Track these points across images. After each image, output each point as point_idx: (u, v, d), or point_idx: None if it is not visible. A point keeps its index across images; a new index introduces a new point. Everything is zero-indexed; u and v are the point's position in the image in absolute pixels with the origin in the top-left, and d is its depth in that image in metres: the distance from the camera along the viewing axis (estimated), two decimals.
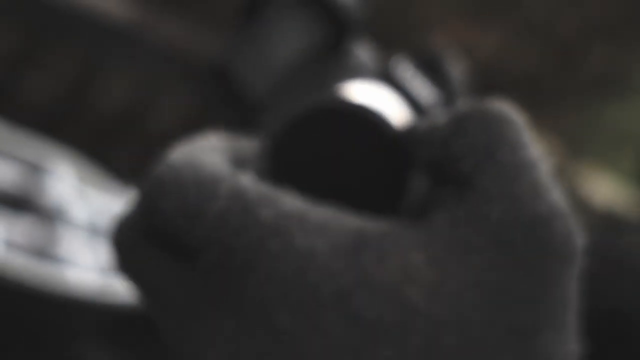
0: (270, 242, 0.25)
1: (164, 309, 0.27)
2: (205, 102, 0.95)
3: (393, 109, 0.31)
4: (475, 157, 0.26)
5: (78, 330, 0.65)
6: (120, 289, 0.72)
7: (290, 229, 0.25)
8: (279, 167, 0.29)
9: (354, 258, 0.25)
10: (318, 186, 0.28)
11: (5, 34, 0.90)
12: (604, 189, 1.40)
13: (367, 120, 0.28)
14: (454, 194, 0.26)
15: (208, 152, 0.27)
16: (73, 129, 0.92)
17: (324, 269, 0.24)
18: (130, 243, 0.27)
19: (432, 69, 0.36)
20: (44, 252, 0.70)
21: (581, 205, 1.30)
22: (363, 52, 0.39)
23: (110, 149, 0.94)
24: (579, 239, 0.25)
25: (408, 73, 0.36)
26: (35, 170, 0.78)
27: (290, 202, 0.26)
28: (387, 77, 0.35)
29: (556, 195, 0.25)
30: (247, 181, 0.26)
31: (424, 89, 0.35)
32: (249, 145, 0.30)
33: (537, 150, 0.26)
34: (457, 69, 0.37)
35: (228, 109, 0.37)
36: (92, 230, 0.76)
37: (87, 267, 0.72)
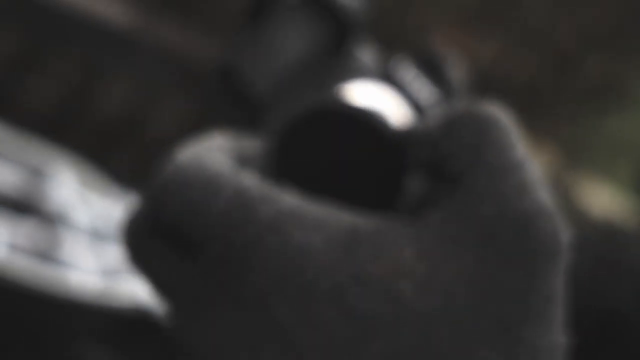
0: (269, 238, 0.26)
1: (171, 302, 0.28)
2: (205, 106, 0.95)
3: (393, 109, 0.32)
4: (465, 157, 0.27)
5: (78, 331, 0.65)
6: (121, 292, 0.72)
7: (289, 226, 0.26)
8: (281, 166, 0.29)
9: (348, 253, 0.25)
10: (318, 184, 0.29)
11: (5, 39, 0.90)
12: (602, 199, 1.40)
13: (365, 121, 0.29)
14: (446, 192, 0.27)
15: (213, 152, 0.28)
16: (73, 133, 0.92)
17: (320, 265, 0.25)
18: (139, 238, 0.28)
19: (432, 70, 0.37)
20: (47, 255, 0.70)
21: (579, 215, 1.30)
22: (364, 54, 0.39)
23: (111, 152, 0.94)
24: (565, 235, 0.26)
25: (408, 73, 0.36)
26: (37, 174, 0.78)
27: (289, 200, 0.26)
28: (388, 78, 0.36)
29: (542, 194, 0.26)
30: (249, 180, 0.27)
31: (424, 89, 0.36)
32: (253, 144, 0.31)
33: (524, 150, 0.27)
34: (457, 69, 0.38)
35: (232, 108, 0.37)
36: (94, 234, 0.76)
37: (89, 271, 0.72)
